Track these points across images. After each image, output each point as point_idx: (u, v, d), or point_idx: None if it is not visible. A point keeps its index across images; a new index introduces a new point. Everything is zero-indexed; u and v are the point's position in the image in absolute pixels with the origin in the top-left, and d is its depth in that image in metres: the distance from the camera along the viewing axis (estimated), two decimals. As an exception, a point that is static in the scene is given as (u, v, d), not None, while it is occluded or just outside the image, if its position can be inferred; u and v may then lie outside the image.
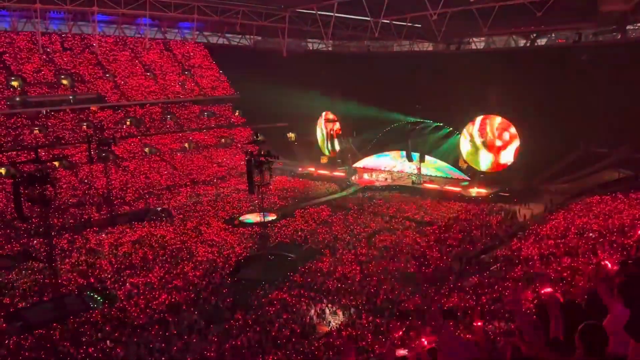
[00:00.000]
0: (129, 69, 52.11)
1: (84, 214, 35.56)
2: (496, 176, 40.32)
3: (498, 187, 38.25)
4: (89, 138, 40.01)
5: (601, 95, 34.76)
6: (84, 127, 45.17)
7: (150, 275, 24.74)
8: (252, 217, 34.42)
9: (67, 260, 26.87)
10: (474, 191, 39.65)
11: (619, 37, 41.61)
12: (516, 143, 40.01)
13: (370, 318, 19.24)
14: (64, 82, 46.38)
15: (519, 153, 39.51)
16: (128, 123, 48.90)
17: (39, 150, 34.16)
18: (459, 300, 20.11)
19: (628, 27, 41.41)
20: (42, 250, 26.76)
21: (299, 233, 31.53)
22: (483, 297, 19.69)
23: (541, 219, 30.93)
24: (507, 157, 41.13)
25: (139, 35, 55.28)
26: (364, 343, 17.13)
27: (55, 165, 38.48)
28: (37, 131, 42.50)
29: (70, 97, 45.76)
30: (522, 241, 26.97)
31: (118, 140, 43.55)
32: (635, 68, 33.83)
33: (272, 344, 17.58)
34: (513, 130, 40.02)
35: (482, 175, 41.16)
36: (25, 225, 30.00)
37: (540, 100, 37.85)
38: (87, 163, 39.89)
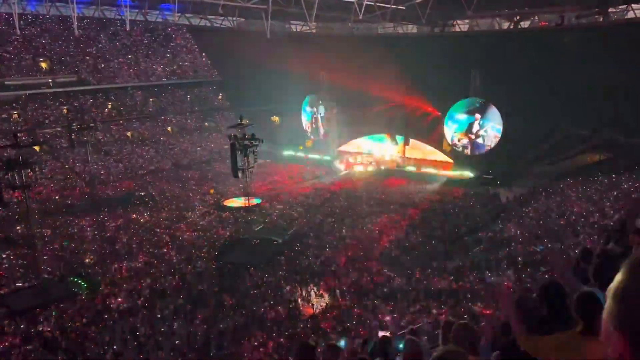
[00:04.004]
0: (110, 52, 51.20)
1: (66, 199, 35.17)
2: (480, 159, 40.58)
3: (481, 169, 38.59)
4: (69, 122, 39.39)
5: (583, 78, 35.00)
6: (65, 110, 44.42)
7: (134, 260, 24.63)
8: (237, 201, 34.31)
9: (48, 246, 26.56)
10: (458, 174, 40.00)
11: (601, 19, 41.79)
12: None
13: (355, 300, 19.43)
14: (43, 65, 45.44)
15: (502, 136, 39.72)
16: (109, 106, 48.20)
17: (18, 134, 33.52)
18: (442, 281, 20.36)
19: (610, 9, 41.57)
20: (23, 236, 26.43)
21: (284, 217, 31.58)
22: (466, 279, 19.97)
23: (524, 201, 31.32)
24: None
25: (120, 17, 54.19)
26: (348, 324, 17.33)
27: (35, 149, 37.86)
28: (15, 115, 41.71)
29: (50, 80, 44.86)
30: (505, 223, 27.34)
31: (99, 124, 42.97)
32: (616, 50, 34.10)
33: (257, 327, 17.68)
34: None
35: (467, 157, 41.43)
36: (5, 211, 29.58)
37: (523, 83, 38.01)
38: (68, 148, 39.32)
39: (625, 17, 40.41)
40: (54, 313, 18.99)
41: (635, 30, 36.51)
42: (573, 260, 7.07)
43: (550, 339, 2.94)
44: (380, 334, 9.23)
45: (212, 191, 38.64)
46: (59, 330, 17.58)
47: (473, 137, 41.33)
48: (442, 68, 41.49)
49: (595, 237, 17.93)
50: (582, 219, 23.18)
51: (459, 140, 42.23)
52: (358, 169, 44.62)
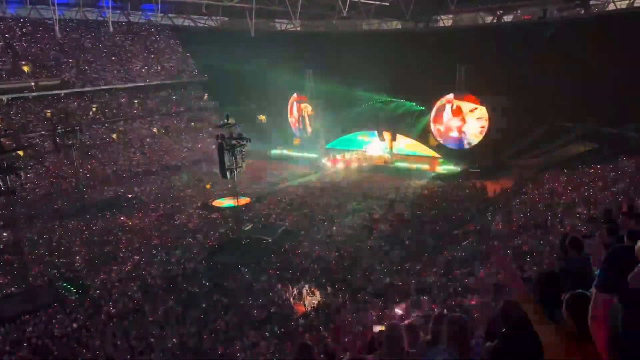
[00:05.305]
0: (93, 53, 50.69)
1: (53, 203, 34.82)
2: (467, 153, 40.86)
3: (468, 163, 38.87)
4: (54, 125, 38.95)
5: (567, 69, 35.37)
6: (49, 114, 43.90)
7: (124, 262, 24.46)
8: (226, 201, 34.18)
9: (36, 251, 26.28)
10: (446, 168, 40.26)
11: (582, 12, 42.22)
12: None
13: (347, 296, 19.46)
14: (25, 68, 44.86)
15: (488, 129, 39.96)
16: (94, 109, 47.76)
17: (2, 139, 33.11)
18: (432, 275, 20.47)
19: (591, 2, 42.02)
20: (10, 242, 26.12)
21: (274, 215, 31.54)
22: (456, 272, 20.08)
23: (510, 193, 31.58)
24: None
25: (102, 18, 53.65)
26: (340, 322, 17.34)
27: (19, 154, 37.40)
28: (-2, 120, 41.17)
29: (32, 84, 44.29)
30: (493, 216, 27.54)
31: (84, 127, 42.58)
32: (597, 42, 34.44)
33: (250, 326, 17.65)
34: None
35: (454, 151, 41.68)
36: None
37: (507, 76, 38.28)
38: (53, 151, 38.95)
39: (606, 9, 40.84)
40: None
41: (616, 21, 36.96)
42: (560, 251, 7.14)
43: (555, 330, 2.92)
44: (377, 328, 9.27)
45: (208, 186, 38.71)
46: (49, 336, 17.40)
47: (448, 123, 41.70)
48: (427, 63, 41.70)
49: (584, 227, 18.10)
50: (568, 210, 23.40)
51: (438, 133, 42.52)
52: (346, 165, 44.66)
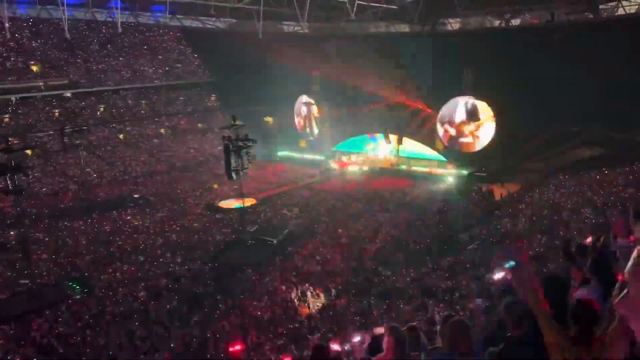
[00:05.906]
0: (101, 54, 50.96)
1: (60, 202, 34.96)
2: (473, 156, 40.71)
3: (475, 167, 38.72)
4: (61, 125, 39.21)
5: (574, 74, 35.17)
6: (57, 114, 44.17)
7: (129, 262, 24.52)
8: (231, 202, 34.21)
9: (42, 250, 26.38)
10: (451, 171, 40.13)
11: (591, 16, 42.01)
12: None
13: (352, 299, 19.46)
14: (34, 68, 45.17)
15: (494, 133, 39.81)
16: (102, 109, 48.00)
17: (10, 138, 33.33)
18: (437, 279, 20.43)
19: (600, 6, 41.83)
20: (16, 241, 26.24)
21: (279, 217, 31.56)
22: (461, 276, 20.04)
23: (516, 197, 31.44)
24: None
25: (110, 19, 53.95)
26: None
27: (27, 153, 37.63)
28: (7, 119, 41.42)
29: (41, 83, 44.58)
30: (499, 220, 27.43)
31: (92, 127, 42.79)
32: (606, 47, 34.28)
33: (254, 327, 17.66)
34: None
35: (460, 155, 41.54)
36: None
37: (515, 80, 38.15)
38: (61, 151, 39.14)
39: (616, 13, 40.64)
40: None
41: (625, 26, 36.77)
42: (566, 256, 7.08)
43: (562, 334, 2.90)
44: (378, 330, 9.25)
45: (215, 186, 38.79)
46: (54, 335, 17.47)
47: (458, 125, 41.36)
48: (434, 66, 41.58)
49: (589, 232, 18.02)
50: (575, 215, 23.28)
51: (446, 136, 42.21)
52: (352, 168, 44.64)
